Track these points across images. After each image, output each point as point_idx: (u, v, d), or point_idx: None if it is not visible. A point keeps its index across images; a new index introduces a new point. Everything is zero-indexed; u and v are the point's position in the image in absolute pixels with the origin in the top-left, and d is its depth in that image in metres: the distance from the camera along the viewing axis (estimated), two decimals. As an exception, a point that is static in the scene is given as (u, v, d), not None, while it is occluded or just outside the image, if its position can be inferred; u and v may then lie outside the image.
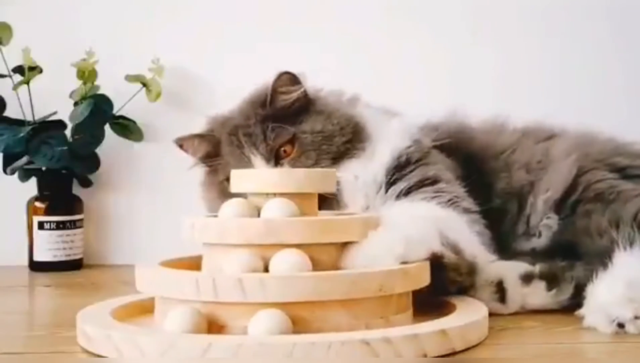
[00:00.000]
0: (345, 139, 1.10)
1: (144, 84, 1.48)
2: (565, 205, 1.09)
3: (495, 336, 0.87)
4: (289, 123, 1.09)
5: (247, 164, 1.09)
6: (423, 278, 0.88)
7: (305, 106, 1.12)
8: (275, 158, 1.09)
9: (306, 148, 1.08)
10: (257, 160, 1.09)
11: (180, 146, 1.16)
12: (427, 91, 1.48)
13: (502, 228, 1.10)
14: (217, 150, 1.14)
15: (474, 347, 0.82)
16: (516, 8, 1.53)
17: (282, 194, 0.89)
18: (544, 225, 1.10)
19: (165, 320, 0.83)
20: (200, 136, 1.16)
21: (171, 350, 0.75)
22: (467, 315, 0.86)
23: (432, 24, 1.52)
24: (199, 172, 1.19)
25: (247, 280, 0.79)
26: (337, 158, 1.09)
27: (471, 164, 1.13)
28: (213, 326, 0.81)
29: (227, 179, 1.05)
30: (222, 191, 1.12)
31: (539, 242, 1.10)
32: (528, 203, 1.11)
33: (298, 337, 0.76)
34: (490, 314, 0.89)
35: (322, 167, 1.07)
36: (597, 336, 0.88)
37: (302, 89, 1.11)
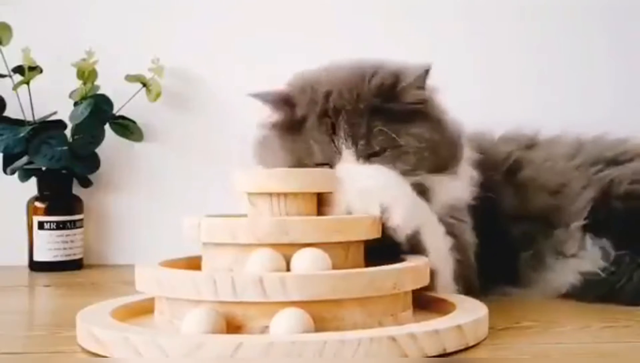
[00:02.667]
0: (449, 154, 0.99)
1: (144, 84, 1.48)
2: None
3: (495, 336, 0.87)
4: (398, 121, 0.96)
5: (334, 154, 0.96)
6: (426, 277, 0.90)
7: (423, 108, 0.99)
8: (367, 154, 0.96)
9: (407, 151, 0.96)
10: (349, 155, 0.96)
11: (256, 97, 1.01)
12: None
13: None
14: (294, 121, 0.98)
15: (473, 346, 0.82)
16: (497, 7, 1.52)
17: (284, 194, 0.88)
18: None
19: (174, 321, 0.83)
20: (274, 103, 0.99)
21: (199, 351, 0.74)
22: (469, 313, 0.86)
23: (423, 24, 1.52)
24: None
25: (268, 279, 0.79)
26: (435, 170, 0.98)
27: None
28: (230, 326, 0.80)
29: (303, 165, 0.97)
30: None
31: None
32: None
33: (328, 335, 0.76)
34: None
35: (417, 177, 0.96)
36: (597, 336, 0.88)
37: (429, 92, 0.99)
